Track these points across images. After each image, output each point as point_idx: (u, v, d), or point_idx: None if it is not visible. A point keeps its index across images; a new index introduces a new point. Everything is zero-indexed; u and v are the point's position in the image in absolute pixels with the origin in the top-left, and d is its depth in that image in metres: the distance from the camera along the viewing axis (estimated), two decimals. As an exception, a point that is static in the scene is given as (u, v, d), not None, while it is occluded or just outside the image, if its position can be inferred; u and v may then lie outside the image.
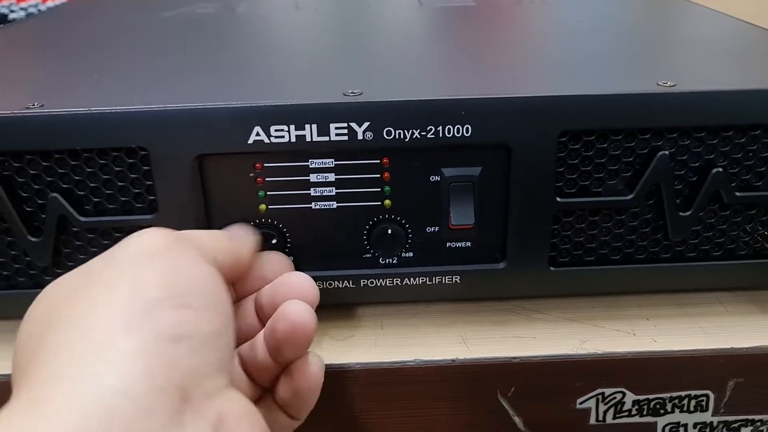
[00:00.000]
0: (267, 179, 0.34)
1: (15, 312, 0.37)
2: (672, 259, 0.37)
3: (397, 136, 0.33)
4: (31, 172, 0.34)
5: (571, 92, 0.33)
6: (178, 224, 0.34)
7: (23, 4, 1.07)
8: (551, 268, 0.36)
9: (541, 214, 0.35)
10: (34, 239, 0.34)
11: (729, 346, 0.35)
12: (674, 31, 0.52)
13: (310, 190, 0.35)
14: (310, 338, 0.30)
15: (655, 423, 0.36)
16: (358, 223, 0.35)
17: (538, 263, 0.36)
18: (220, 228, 0.35)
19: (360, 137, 0.33)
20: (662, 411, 0.36)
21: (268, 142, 0.33)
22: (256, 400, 0.31)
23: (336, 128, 0.33)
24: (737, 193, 0.35)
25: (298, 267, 0.35)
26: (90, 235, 0.35)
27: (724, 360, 0.35)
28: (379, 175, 0.34)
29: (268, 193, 0.35)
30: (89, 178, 0.34)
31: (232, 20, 0.57)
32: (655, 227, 0.36)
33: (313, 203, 0.35)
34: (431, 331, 0.37)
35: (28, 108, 0.32)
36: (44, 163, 0.33)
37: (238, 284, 0.34)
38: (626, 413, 0.36)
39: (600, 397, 0.35)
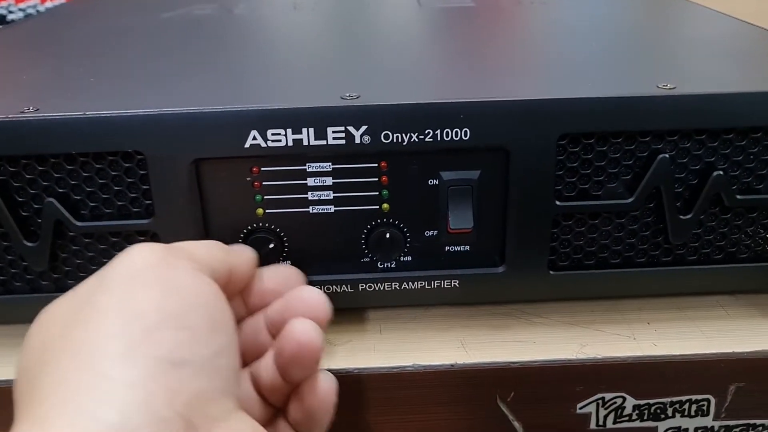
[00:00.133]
0: (264, 183, 0.34)
1: (12, 317, 0.38)
2: (672, 263, 0.37)
3: (395, 140, 0.33)
4: (27, 176, 0.33)
5: (571, 95, 0.32)
6: (175, 229, 0.34)
7: (22, 5, 1.07)
8: (551, 272, 0.36)
9: (540, 217, 0.35)
10: (30, 244, 0.34)
11: (730, 350, 0.35)
12: (674, 32, 0.52)
13: (307, 194, 0.34)
14: (317, 358, 0.28)
15: (656, 428, 0.36)
16: (356, 227, 0.35)
17: (538, 267, 0.36)
18: (218, 234, 0.35)
19: (358, 141, 0.32)
20: (663, 416, 0.36)
21: (265, 146, 0.32)
22: (268, 420, 0.30)
23: (333, 132, 0.32)
24: (738, 196, 0.35)
25: (296, 271, 0.35)
26: (86, 240, 0.35)
27: (726, 364, 0.35)
28: (377, 179, 0.34)
29: (266, 197, 0.34)
30: (85, 182, 0.34)
31: (229, 22, 0.56)
32: (656, 230, 0.36)
33: (310, 207, 0.35)
34: (430, 336, 0.36)
35: (23, 112, 0.32)
36: (40, 168, 0.33)
37: (247, 299, 0.33)
38: (627, 418, 0.36)
39: (600, 401, 0.35)
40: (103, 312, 0.23)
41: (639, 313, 0.38)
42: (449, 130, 0.32)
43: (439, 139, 0.33)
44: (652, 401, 0.35)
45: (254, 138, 0.32)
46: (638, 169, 0.34)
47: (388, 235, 0.35)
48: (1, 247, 0.35)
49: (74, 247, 0.35)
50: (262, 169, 0.34)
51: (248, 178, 0.34)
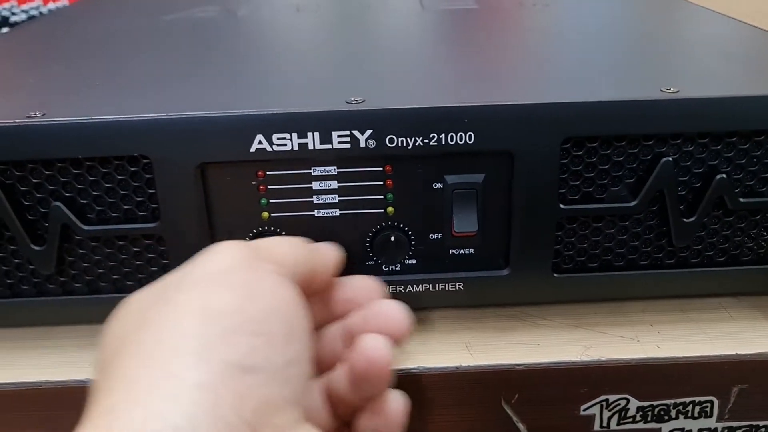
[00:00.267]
0: (269, 187, 0.34)
1: (19, 320, 0.38)
2: (676, 265, 0.37)
3: (399, 144, 0.33)
4: (34, 181, 0.34)
5: (574, 99, 0.33)
6: (181, 232, 0.34)
7: (24, 6, 1.07)
8: (555, 275, 0.36)
9: (544, 220, 0.35)
10: (37, 248, 0.34)
11: (733, 352, 0.35)
12: (677, 34, 0.52)
13: (312, 197, 0.35)
14: (386, 376, 0.27)
15: (660, 429, 0.36)
16: (361, 231, 0.35)
17: (542, 270, 0.36)
18: (223, 238, 0.35)
19: (363, 145, 0.33)
20: (666, 417, 0.36)
21: (271, 150, 0.33)
22: None
23: (338, 136, 0.32)
24: (741, 199, 0.35)
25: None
26: (93, 244, 0.35)
27: (729, 366, 0.35)
28: (381, 183, 0.34)
29: (271, 200, 0.35)
30: (92, 186, 0.34)
31: (233, 24, 0.57)
32: (659, 233, 0.36)
33: (315, 211, 0.35)
34: (435, 338, 0.37)
35: (29, 117, 0.32)
36: (47, 172, 0.33)
37: (328, 305, 0.32)
38: (630, 419, 0.36)
39: (604, 403, 0.35)
40: (181, 310, 0.23)
41: (642, 316, 0.38)
42: (453, 134, 0.33)
43: (443, 143, 0.33)
44: (655, 403, 0.36)
45: (260, 142, 0.32)
46: (642, 172, 0.34)
47: (392, 239, 0.35)
48: (9, 250, 0.35)
49: (81, 251, 0.35)
50: (268, 173, 0.34)
51: (254, 182, 0.34)
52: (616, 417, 0.36)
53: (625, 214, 0.35)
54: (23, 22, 1.01)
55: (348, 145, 0.33)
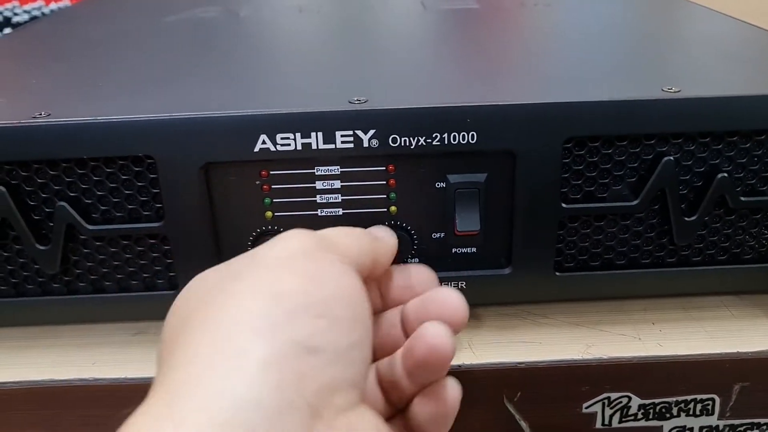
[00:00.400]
0: (273, 187, 0.34)
1: (24, 319, 0.38)
2: (677, 264, 0.37)
3: (402, 143, 0.33)
4: (39, 181, 0.34)
5: (576, 99, 0.33)
6: (185, 232, 0.34)
7: (27, 7, 1.07)
8: (557, 273, 0.36)
9: (546, 219, 0.35)
10: (42, 247, 0.34)
11: (734, 350, 0.35)
12: (678, 34, 0.52)
13: (316, 197, 0.35)
14: (447, 363, 0.27)
15: (661, 427, 0.37)
16: (363, 230, 0.36)
17: (544, 268, 0.36)
18: (227, 237, 0.35)
19: (366, 144, 0.33)
20: (668, 415, 0.36)
21: (274, 150, 0.33)
22: (387, 420, 0.29)
23: (342, 136, 0.33)
24: (742, 198, 0.35)
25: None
26: (97, 243, 0.35)
27: (730, 364, 0.35)
28: (384, 182, 0.35)
29: (275, 200, 0.35)
30: (96, 186, 0.34)
31: (236, 25, 0.57)
32: (661, 232, 0.36)
33: (319, 210, 0.35)
34: (437, 337, 0.37)
35: (35, 117, 0.32)
36: (52, 172, 0.34)
37: (385, 292, 0.32)
38: (632, 417, 0.36)
39: (606, 401, 0.36)
40: (248, 290, 0.23)
41: (644, 314, 0.38)
42: (456, 134, 0.33)
43: (446, 142, 0.33)
44: (657, 401, 0.36)
45: (263, 142, 0.33)
46: (643, 171, 0.35)
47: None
48: (14, 250, 0.35)
49: (85, 250, 0.35)
50: (271, 172, 0.34)
51: (257, 182, 0.34)
52: (617, 415, 0.36)
53: (626, 213, 0.35)
54: (26, 22, 1.01)
55: (351, 145, 0.33)
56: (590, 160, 0.34)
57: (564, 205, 0.35)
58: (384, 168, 0.34)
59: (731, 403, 0.36)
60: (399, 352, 0.29)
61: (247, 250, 0.33)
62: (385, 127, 0.33)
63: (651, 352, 0.35)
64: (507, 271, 0.36)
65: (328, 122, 0.32)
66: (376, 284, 0.33)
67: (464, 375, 0.35)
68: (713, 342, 0.36)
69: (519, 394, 0.35)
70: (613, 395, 0.35)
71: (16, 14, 1.04)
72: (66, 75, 0.42)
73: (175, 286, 0.36)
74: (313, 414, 0.21)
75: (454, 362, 0.35)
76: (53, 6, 1.07)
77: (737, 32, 0.49)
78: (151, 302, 0.36)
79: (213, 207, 0.35)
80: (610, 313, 0.38)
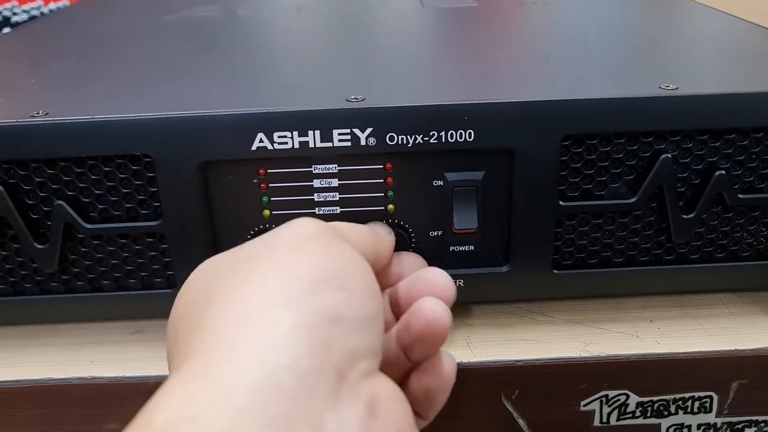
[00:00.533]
0: (270, 185, 0.34)
1: (22, 318, 0.38)
2: (675, 261, 0.37)
3: (400, 142, 0.33)
4: (37, 179, 0.34)
5: (574, 96, 0.33)
6: (183, 230, 0.34)
7: (26, 6, 1.07)
8: (555, 271, 0.36)
9: (544, 217, 0.35)
10: (40, 246, 0.35)
11: (732, 348, 0.35)
12: (676, 31, 0.52)
13: (313, 195, 0.35)
14: (444, 337, 0.28)
15: (659, 424, 0.37)
16: (361, 228, 0.36)
17: (542, 266, 0.36)
18: (225, 236, 0.35)
19: (363, 143, 0.33)
20: (666, 412, 0.36)
21: (272, 148, 0.33)
22: None
23: (339, 134, 0.33)
24: (740, 195, 0.35)
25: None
26: (95, 242, 0.35)
27: (728, 361, 0.35)
28: (382, 180, 0.35)
29: (272, 198, 0.35)
30: (94, 185, 0.34)
31: (234, 24, 0.57)
32: (658, 229, 0.36)
33: (316, 208, 0.35)
34: (435, 335, 0.37)
35: (32, 116, 0.32)
36: (50, 171, 0.34)
37: (378, 280, 0.33)
38: (630, 415, 0.36)
39: (604, 399, 0.36)
40: (268, 268, 0.24)
41: (642, 312, 0.38)
42: (454, 132, 0.33)
43: (443, 140, 0.33)
44: (655, 398, 0.36)
45: (261, 140, 0.33)
46: (641, 169, 0.35)
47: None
48: (12, 249, 0.35)
49: (83, 249, 0.35)
50: (269, 171, 0.34)
51: (255, 180, 0.34)
52: (615, 412, 0.36)
53: (624, 210, 0.35)
54: (24, 22, 1.01)
55: (348, 143, 0.33)
56: (588, 157, 0.34)
57: (562, 202, 0.35)
58: (381, 166, 0.34)
59: (729, 401, 0.36)
60: (393, 331, 0.30)
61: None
62: (382, 126, 0.33)
63: (649, 350, 0.35)
64: (505, 269, 0.36)
65: (325, 120, 0.32)
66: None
67: (462, 373, 0.35)
68: (711, 339, 0.36)
69: (517, 392, 0.35)
70: (611, 393, 0.35)
71: (15, 14, 1.04)
72: (64, 74, 0.42)
73: (173, 285, 0.36)
74: (340, 378, 0.22)
75: (452, 360, 0.35)
76: (52, 6, 1.07)
77: (735, 29, 0.49)
78: (149, 301, 0.36)
79: (211, 205, 0.35)
80: (608, 310, 0.38)
